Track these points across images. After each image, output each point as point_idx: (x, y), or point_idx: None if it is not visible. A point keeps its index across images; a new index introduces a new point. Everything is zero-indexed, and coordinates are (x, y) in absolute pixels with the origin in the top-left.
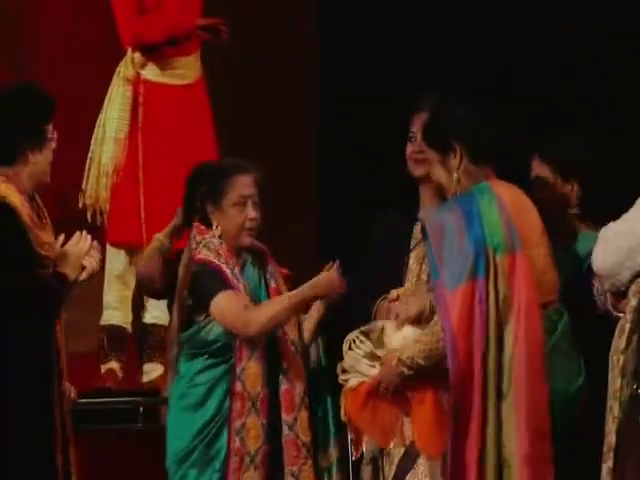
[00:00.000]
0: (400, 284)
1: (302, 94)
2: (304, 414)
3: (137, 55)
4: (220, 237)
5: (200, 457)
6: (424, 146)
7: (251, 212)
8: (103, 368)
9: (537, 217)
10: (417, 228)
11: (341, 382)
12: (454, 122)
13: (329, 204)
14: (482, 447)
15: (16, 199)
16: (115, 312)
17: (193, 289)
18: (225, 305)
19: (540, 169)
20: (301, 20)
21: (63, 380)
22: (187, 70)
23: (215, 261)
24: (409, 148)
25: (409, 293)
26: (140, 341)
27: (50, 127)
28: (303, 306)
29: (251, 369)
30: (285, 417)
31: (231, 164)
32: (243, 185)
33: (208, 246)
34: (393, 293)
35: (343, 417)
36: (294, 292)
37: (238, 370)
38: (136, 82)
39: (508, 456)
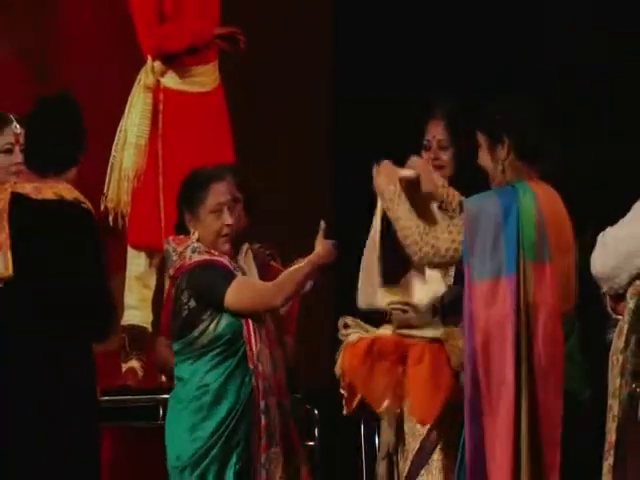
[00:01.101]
0: None
1: (316, 99)
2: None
3: (157, 63)
4: (198, 242)
5: (219, 452)
6: (439, 153)
7: (227, 218)
8: (124, 367)
9: (570, 225)
10: None
11: (341, 338)
12: (509, 116)
13: (344, 206)
14: (515, 443)
15: (90, 205)
16: (136, 312)
17: (199, 290)
18: (242, 290)
19: None
20: (315, 26)
21: None
22: (206, 78)
23: (212, 258)
24: (425, 156)
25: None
26: None
27: None
28: (313, 276)
29: (264, 349)
30: (283, 401)
31: (206, 172)
32: (219, 193)
33: (197, 250)
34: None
35: (337, 372)
36: (302, 264)
37: (255, 353)
38: (156, 90)
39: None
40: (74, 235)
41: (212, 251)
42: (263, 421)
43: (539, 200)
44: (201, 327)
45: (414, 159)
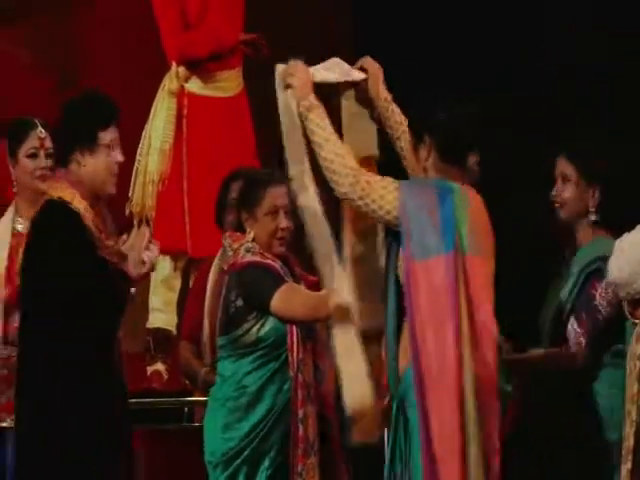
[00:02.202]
0: None
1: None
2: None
3: (181, 69)
4: (253, 242)
5: (251, 454)
6: None
7: (283, 221)
8: (149, 369)
9: (493, 238)
10: None
11: None
12: (432, 118)
13: None
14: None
15: (80, 205)
16: (161, 315)
17: (247, 290)
18: (290, 297)
19: (565, 168)
20: (336, 31)
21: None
22: (229, 83)
23: (264, 260)
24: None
25: None
26: None
27: (106, 133)
28: None
29: (307, 359)
30: (327, 414)
31: (266, 174)
32: (277, 195)
33: (250, 250)
34: None
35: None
36: None
37: (297, 361)
38: (180, 95)
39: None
40: (52, 236)
41: (265, 254)
42: (300, 431)
43: (469, 202)
44: (245, 326)
45: (367, 59)
